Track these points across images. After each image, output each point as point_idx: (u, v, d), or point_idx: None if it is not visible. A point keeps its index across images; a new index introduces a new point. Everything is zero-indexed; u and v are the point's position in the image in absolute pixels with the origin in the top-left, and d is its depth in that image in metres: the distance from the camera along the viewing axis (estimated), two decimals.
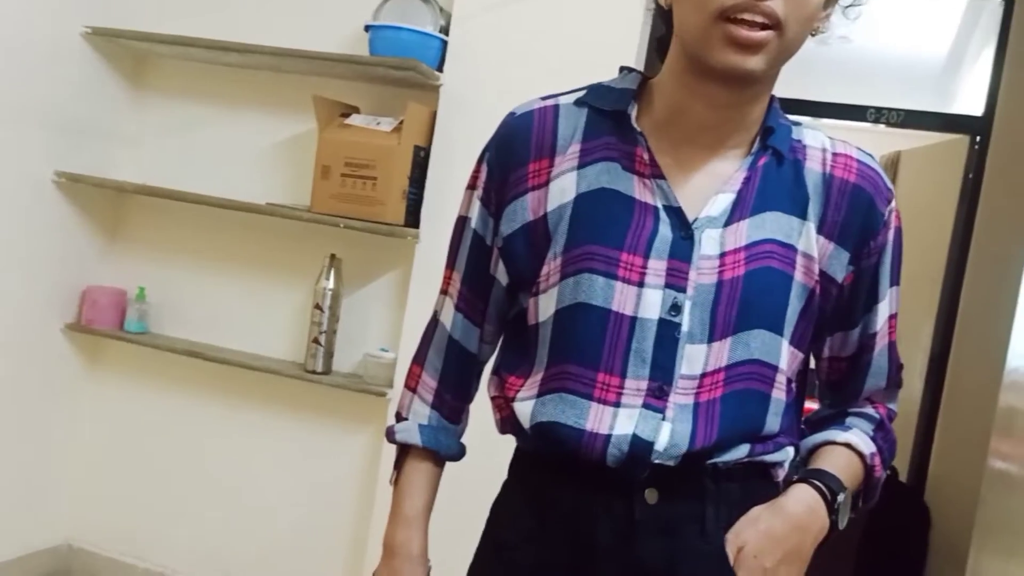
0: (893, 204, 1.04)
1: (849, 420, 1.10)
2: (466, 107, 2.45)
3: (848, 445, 1.06)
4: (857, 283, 1.04)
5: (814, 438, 1.09)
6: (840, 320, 1.05)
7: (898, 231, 1.05)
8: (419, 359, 1.14)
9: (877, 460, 1.07)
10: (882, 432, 1.10)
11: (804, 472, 1.04)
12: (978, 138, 3.17)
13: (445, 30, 2.49)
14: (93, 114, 2.78)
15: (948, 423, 3.17)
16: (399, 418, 1.14)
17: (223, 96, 2.81)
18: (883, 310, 1.06)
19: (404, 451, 1.12)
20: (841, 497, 1.00)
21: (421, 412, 1.12)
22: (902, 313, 1.11)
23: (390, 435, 1.13)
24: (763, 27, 0.88)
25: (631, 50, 2.33)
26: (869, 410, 1.12)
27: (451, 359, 1.11)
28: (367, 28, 2.48)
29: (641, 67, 2.37)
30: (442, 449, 1.11)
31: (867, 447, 1.07)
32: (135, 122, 2.89)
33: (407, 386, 1.14)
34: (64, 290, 2.78)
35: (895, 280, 1.06)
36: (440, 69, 2.48)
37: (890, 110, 3.18)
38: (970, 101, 3.79)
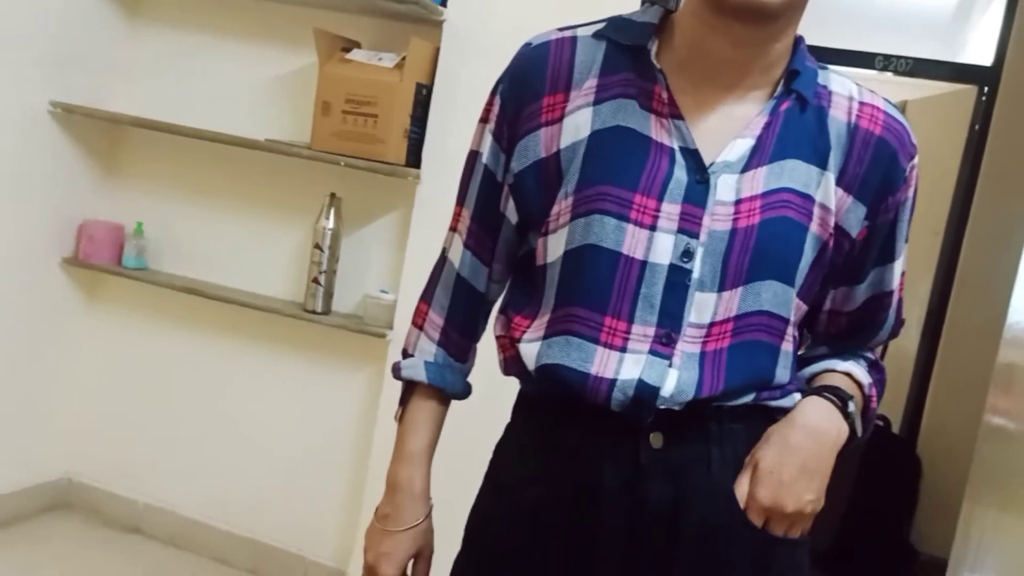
0: (915, 161, 1.02)
1: (845, 355, 1.10)
2: (470, 43, 2.40)
3: (848, 374, 1.06)
4: (870, 238, 1.01)
5: (812, 367, 1.09)
6: (847, 275, 1.04)
7: (915, 190, 1.03)
8: (426, 296, 1.12)
9: (874, 391, 1.07)
10: (876, 371, 1.10)
11: (810, 389, 1.04)
12: (986, 89, 3.14)
13: None
14: (88, 44, 2.72)
15: (943, 376, 3.19)
16: (405, 355, 1.13)
17: (221, 27, 2.75)
18: (898, 268, 1.05)
19: (409, 388, 1.11)
20: (852, 405, 1.00)
21: (427, 349, 1.11)
22: None
23: (396, 371, 1.12)
24: None
25: None
26: (863, 351, 1.13)
27: (459, 297, 1.10)
28: None
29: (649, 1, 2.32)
30: (447, 387, 1.10)
31: (865, 378, 1.07)
32: (131, 53, 2.83)
33: (414, 323, 1.13)
34: (61, 223, 2.75)
35: (906, 238, 1.05)
36: (444, 4, 2.42)
37: (898, 58, 3.14)
38: (979, 51, 3.73)
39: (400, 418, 1.12)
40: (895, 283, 1.06)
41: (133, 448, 2.90)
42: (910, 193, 1.02)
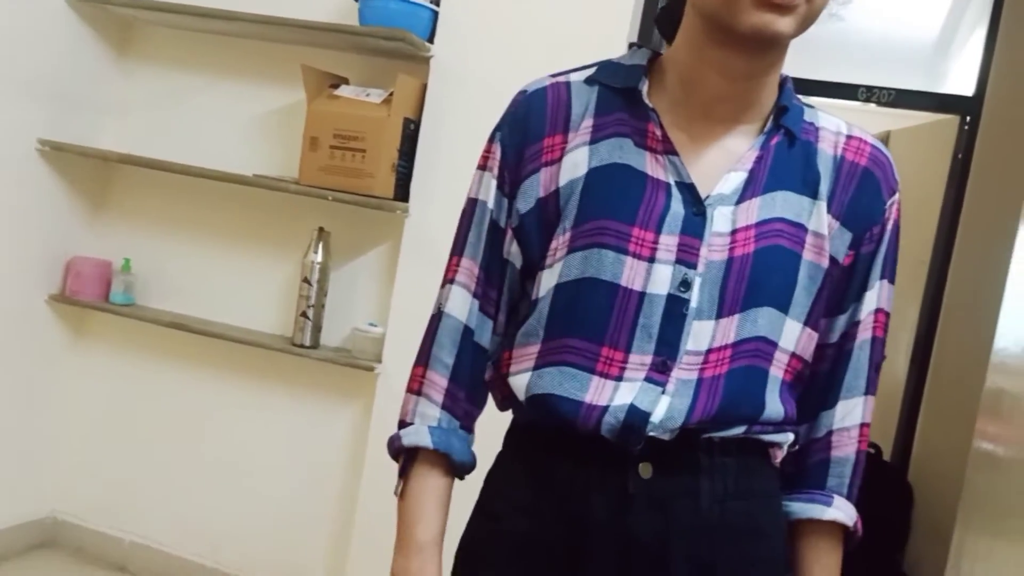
0: (896, 197, 1.04)
1: (831, 479, 1.06)
2: (457, 79, 2.42)
3: (834, 522, 1.05)
4: (853, 268, 1.03)
5: (797, 508, 1.05)
6: (831, 305, 1.04)
7: (896, 225, 1.04)
8: (421, 360, 1.06)
9: (859, 523, 1.06)
10: (857, 473, 1.07)
11: None
12: (968, 118, 3.17)
13: (436, 1, 2.46)
14: (78, 82, 2.74)
15: (932, 403, 3.19)
16: (402, 425, 1.06)
17: (210, 65, 2.77)
18: (869, 299, 1.04)
19: (410, 460, 1.04)
20: None
21: (429, 414, 1.04)
22: None
23: (394, 443, 1.04)
24: None
25: (624, 23, 2.31)
26: (846, 451, 1.07)
27: (465, 352, 1.04)
28: None
29: (634, 39, 2.35)
30: (455, 453, 1.03)
31: (849, 515, 1.05)
32: (121, 90, 2.85)
33: (409, 390, 1.06)
34: (48, 260, 2.75)
35: (887, 274, 1.05)
36: (431, 40, 2.45)
37: (881, 89, 3.17)
38: (961, 81, 3.78)
39: (402, 494, 1.04)
40: (862, 315, 1.05)
41: (119, 485, 2.87)
42: (889, 227, 1.03)
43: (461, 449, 1.04)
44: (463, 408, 1.05)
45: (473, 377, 1.05)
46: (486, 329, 1.05)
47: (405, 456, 1.04)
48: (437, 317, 1.06)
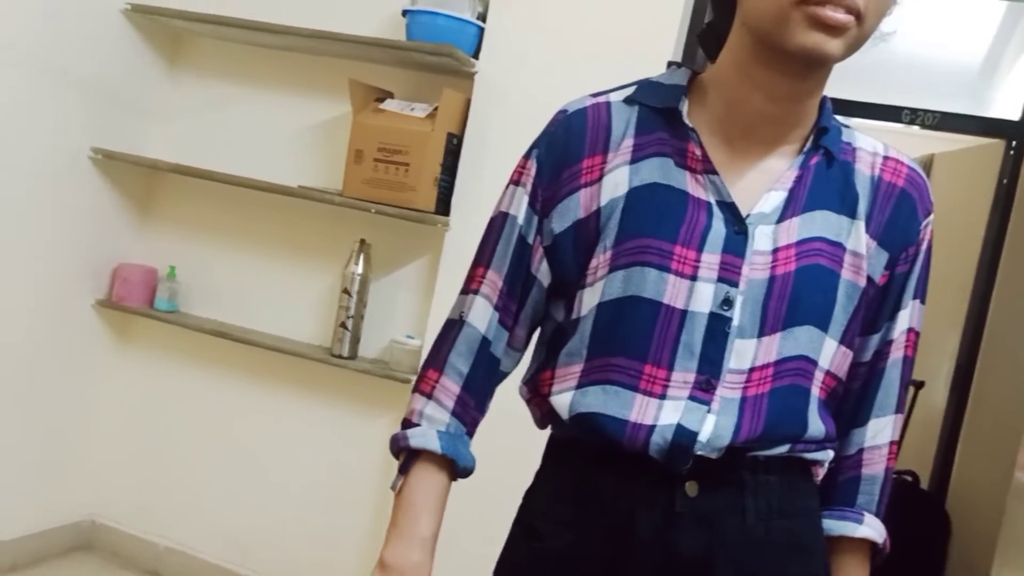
0: (931, 219, 1.05)
1: (861, 496, 1.07)
2: (501, 95, 2.45)
3: (865, 539, 1.06)
4: (887, 288, 1.04)
5: (828, 525, 1.06)
6: (866, 324, 1.05)
7: (929, 246, 1.06)
8: (436, 363, 1.06)
9: (887, 541, 1.08)
10: (885, 491, 1.08)
11: None
12: (1014, 143, 3.13)
13: (483, 17, 2.49)
14: (129, 91, 2.80)
15: (973, 432, 3.14)
16: (407, 424, 1.06)
17: (258, 77, 2.82)
18: (902, 319, 1.05)
19: (412, 458, 1.04)
20: None
21: (438, 418, 1.04)
22: (928, 318, 1.09)
23: (398, 442, 1.04)
24: (847, 11, 0.88)
25: (669, 40, 2.32)
26: (876, 468, 1.08)
27: (480, 363, 1.05)
28: (404, 13, 2.48)
29: (679, 57, 2.36)
30: (460, 459, 1.03)
31: (880, 533, 1.06)
32: (170, 100, 2.91)
33: (420, 391, 1.06)
34: (96, 266, 2.80)
35: (919, 294, 1.06)
36: (476, 56, 2.48)
37: (925, 112, 3.14)
38: (1007, 106, 3.74)
39: (401, 491, 1.04)
40: (895, 333, 1.06)
41: (157, 490, 2.91)
42: (923, 248, 1.05)
43: (466, 455, 1.05)
44: (472, 416, 1.07)
45: (484, 387, 1.07)
46: (502, 341, 1.06)
47: (408, 455, 1.04)
48: (458, 324, 1.06)
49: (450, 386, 1.05)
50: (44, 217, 2.61)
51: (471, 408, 1.06)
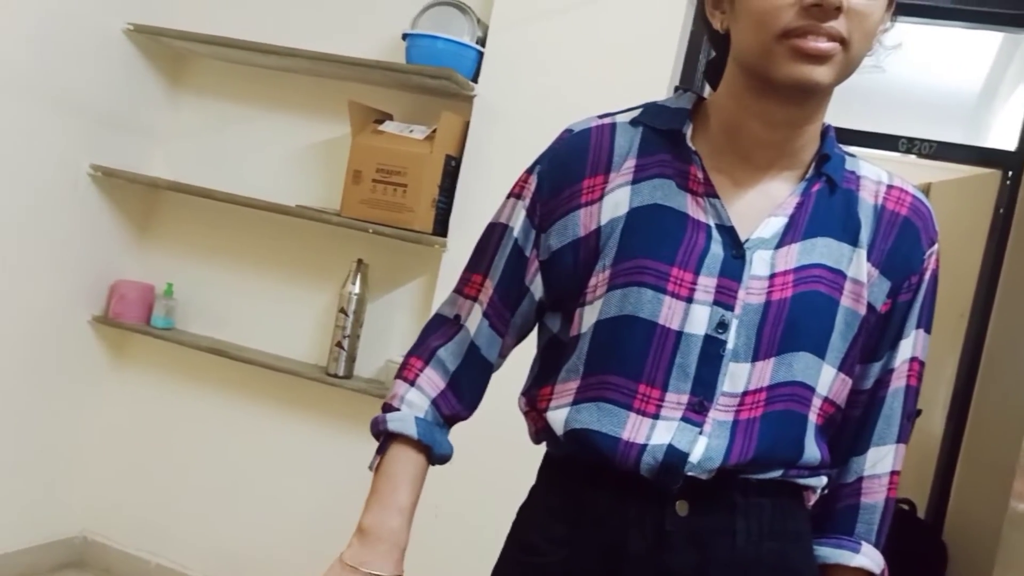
0: (936, 248, 1.05)
1: (859, 525, 1.06)
2: (499, 118, 2.46)
3: (861, 568, 1.05)
4: (889, 316, 1.03)
5: (824, 553, 1.05)
6: (866, 351, 1.05)
7: (934, 275, 1.05)
8: (421, 353, 1.08)
9: (886, 571, 1.06)
10: (885, 521, 1.07)
11: None
12: (1010, 173, 3.15)
13: (482, 41, 2.51)
14: (130, 110, 2.82)
15: (969, 460, 3.13)
16: (387, 408, 1.06)
17: (258, 97, 2.84)
18: (904, 348, 1.05)
19: (389, 441, 1.05)
20: None
21: (418, 404, 1.05)
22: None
23: (377, 425, 1.05)
24: (829, 39, 0.89)
25: (666, 65, 2.34)
26: (875, 498, 1.07)
27: (469, 364, 1.07)
28: (404, 36, 2.50)
29: (676, 81, 2.37)
30: (436, 446, 1.04)
31: (877, 563, 1.05)
32: (171, 119, 2.93)
33: (403, 378, 1.07)
34: (93, 283, 2.81)
35: (923, 324, 1.05)
36: (475, 80, 2.50)
37: (922, 141, 3.15)
38: (1003, 135, 3.76)
39: (378, 468, 1.05)
40: (896, 362, 1.05)
41: (150, 507, 2.90)
42: (927, 277, 1.04)
43: (443, 442, 1.06)
44: (454, 409, 1.07)
45: (472, 389, 1.08)
46: (495, 346, 1.08)
47: (385, 438, 1.05)
48: (453, 325, 1.08)
49: (435, 378, 1.06)
50: (43, 233, 2.62)
51: (454, 403, 1.07)
